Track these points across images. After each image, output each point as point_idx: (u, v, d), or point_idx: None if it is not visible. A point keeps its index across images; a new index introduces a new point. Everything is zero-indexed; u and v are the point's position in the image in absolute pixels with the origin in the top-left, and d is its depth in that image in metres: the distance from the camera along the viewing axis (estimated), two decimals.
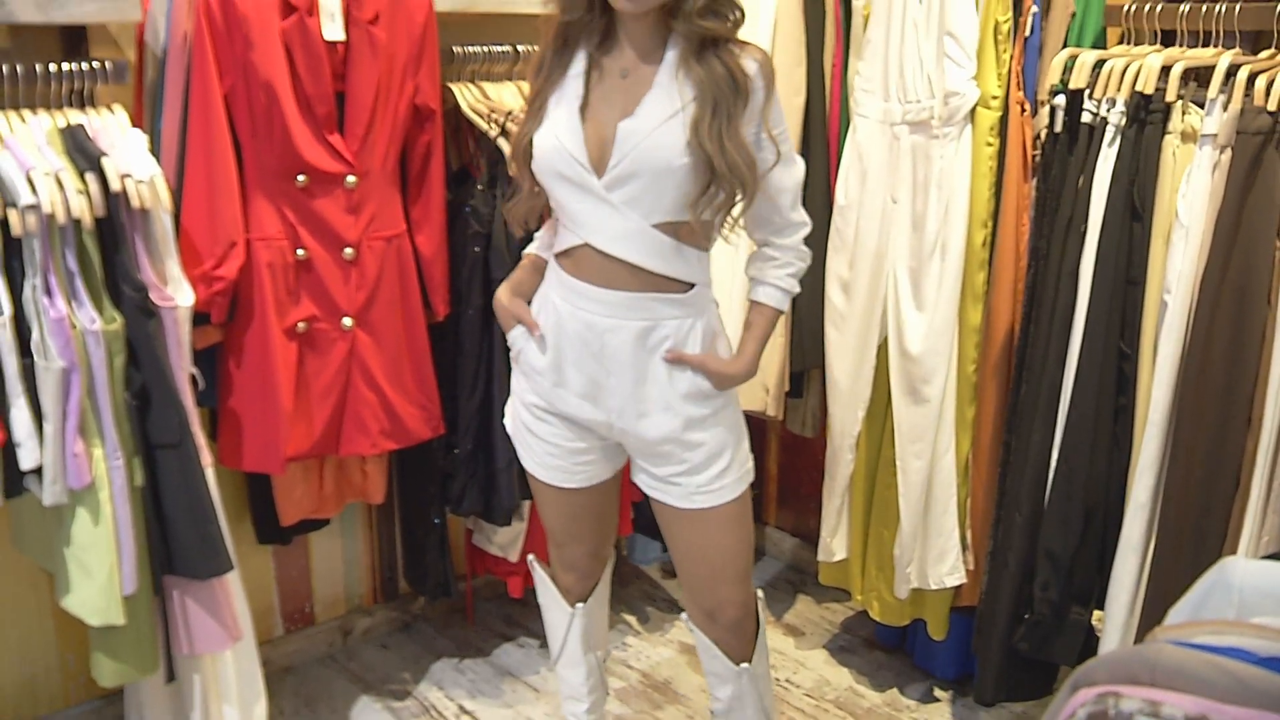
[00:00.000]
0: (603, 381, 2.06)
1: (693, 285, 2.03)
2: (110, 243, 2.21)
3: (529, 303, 2.16)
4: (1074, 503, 2.39)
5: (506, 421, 2.29)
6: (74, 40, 2.45)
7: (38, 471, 2.19)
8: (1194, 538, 2.18)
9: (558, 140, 1.97)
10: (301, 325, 2.52)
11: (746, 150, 1.92)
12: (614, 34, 1.99)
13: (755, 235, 2.11)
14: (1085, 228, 2.32)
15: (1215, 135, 2.15)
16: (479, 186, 2.73)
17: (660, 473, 2.11)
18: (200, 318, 2.41)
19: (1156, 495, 2.27)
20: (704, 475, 2.08)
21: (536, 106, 2.03)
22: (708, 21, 1.89)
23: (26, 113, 2.27)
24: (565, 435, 2.15)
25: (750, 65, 1.94)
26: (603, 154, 1.95)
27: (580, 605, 2.40)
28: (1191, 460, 2.18)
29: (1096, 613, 2.46)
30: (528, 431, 2.19)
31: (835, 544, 2.95)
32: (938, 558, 2.72)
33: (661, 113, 1.92)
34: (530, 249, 2.20)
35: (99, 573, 2.23)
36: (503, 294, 2.19)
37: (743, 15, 1.96)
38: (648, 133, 1.91)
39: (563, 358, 2.08)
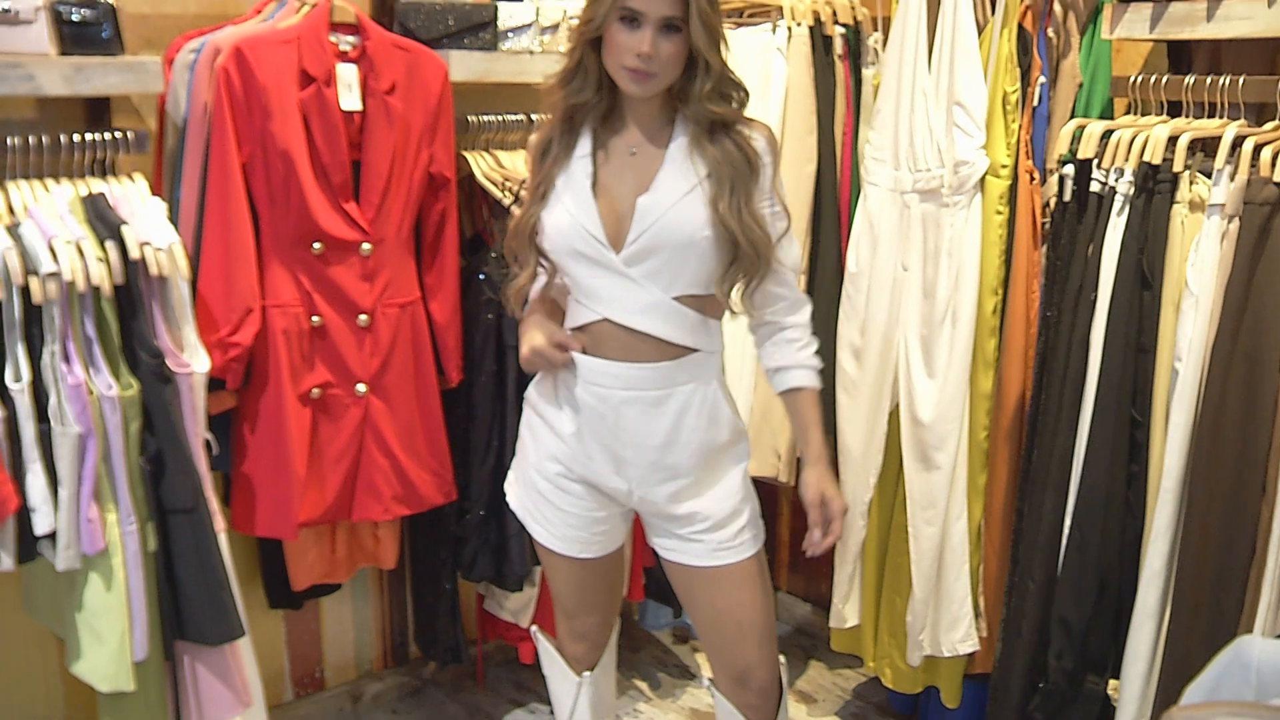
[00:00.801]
0: (620, 452, 2.08)
1: (707, 350, 2.08)
2: (128, 309, 2.23)
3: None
4: (1088, 570, 2.38)
5: (511, 499, 2.28)
6: (97, 110, 2.49)
7: (51, 536, 2.20)
8: (1210, 605, 2.17)
9: (572, 218, 2.00)
10: (316, 391, 2.53)
11: (763, 225, 1.99)
12: (618, 113, 2.04)
13: (768, 315, 2.12)
14: (1095, 296, 2.34)
15: (1223, 205, 2.17)
16: (492, 254, 2.75)
17: (682, 531, 2.12)
18: (215, 383, 2.43)
19: (1171, 563, 2.26)
20: (727, 530, 2.11)
21: (543, 189, 2.05)
22: (715, 105, 1.95)
23: (50, 182, 2.31)
24: (587, 505, 2.16)
25: (759, 143, 2.01)
26: (619, 229, 1.99)
27: (588, 674, 2.39)
28: (1206, 528, 2.18)
29: (1112, 681, 2.44)
30: (546, 503, 2.18)
31: (847, 610, 2.94)
32: (950, 625, 2.71)
33: (679, 188, 1.97)
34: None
35: (110, 638, 2.23)
36: (536, 335, 2.07)
37: (747, 95, 2.02)
38: (668, 207, 1.96)
39: (583, 428, 2.09)
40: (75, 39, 2.29)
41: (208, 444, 2.37)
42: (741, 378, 2.43)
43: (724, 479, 2.12)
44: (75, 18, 2.28)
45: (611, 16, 1.91)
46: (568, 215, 2.00)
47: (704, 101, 1.94)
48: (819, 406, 2.14)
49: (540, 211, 2.04)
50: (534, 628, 2.51)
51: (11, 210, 2.23)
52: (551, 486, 2.16)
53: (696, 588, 2.16)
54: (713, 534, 2.11)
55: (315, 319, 2.51)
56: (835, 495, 2.12)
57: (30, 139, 2.27)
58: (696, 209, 1.96)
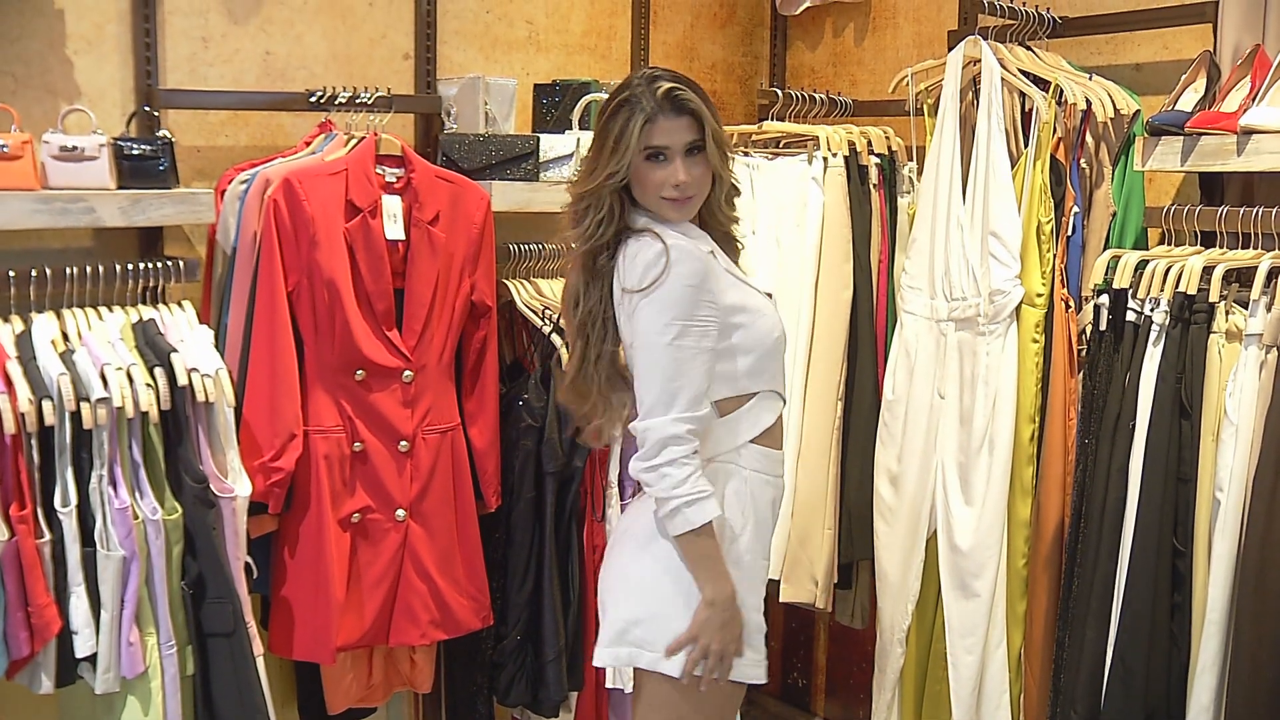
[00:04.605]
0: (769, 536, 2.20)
1: None
2: (174, 434, 2.28)
3: None
4: (1133, 702, 2.34)
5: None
6: (150, 239, 2.57)
7: (91, 659, 2.21)
8: None
9: (775, 311, 2.16)
10: (356, 516, 2.55)
11: None
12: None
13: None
14: (1133, 424, 2.34)
15: (1260, 335, 2.18)
16: (532, 380, 2.78)
17: None
18: (257, 507, 2.45)
19: (1220, 697, 2.22)
20: None
21: None
22: (730, 209, 2.19)
23: (103, 309, 2.37)
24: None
25: None
26: None
27: None
28: (1257, 662, 2.14)
29: None
30: (763, 636, 2.12)
31: None
32: None
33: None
34: None
35: None
36: None
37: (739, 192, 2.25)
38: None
39: (762, 533, 2.13)
40: (133, 172, 2.38)
41: (247, 567, 2.39)
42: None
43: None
44: (135, 152, 2.38)
45: (637, 160, 2.01)
46: (771, 306, 2.16)
47: (724, 207, 2.16)
48: None
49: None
50: None
51: (66, 337, 2.29)
52: (761, 615, 2.12)
53: None
54: None
55: (357, 445, 2.54)
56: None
57: (87, 267, 2.35)
58: None
